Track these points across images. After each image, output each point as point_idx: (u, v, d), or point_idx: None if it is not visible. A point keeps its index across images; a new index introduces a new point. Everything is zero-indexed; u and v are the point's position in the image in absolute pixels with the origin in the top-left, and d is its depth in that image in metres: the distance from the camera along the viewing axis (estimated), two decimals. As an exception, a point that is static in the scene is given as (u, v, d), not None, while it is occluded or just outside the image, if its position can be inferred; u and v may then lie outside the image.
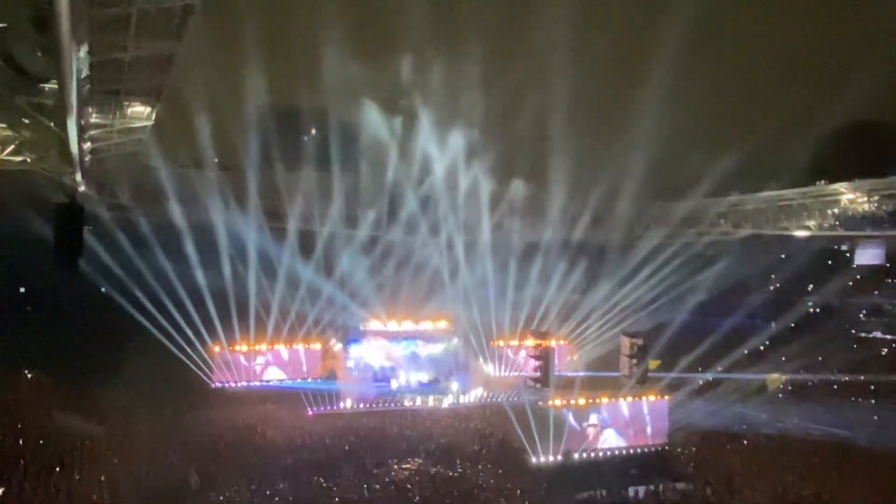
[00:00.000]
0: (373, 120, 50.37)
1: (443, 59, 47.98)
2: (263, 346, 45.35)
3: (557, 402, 36.47)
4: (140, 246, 41.71)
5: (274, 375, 45.61)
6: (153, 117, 28.91)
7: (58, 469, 26.21)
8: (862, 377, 45.31)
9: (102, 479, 27.21)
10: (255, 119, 44.10)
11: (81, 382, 36.27)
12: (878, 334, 52.11)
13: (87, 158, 29.32)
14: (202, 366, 43.20)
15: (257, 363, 45.34)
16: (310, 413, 41.77)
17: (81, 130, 22.20)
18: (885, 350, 49.90)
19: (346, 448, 35.90)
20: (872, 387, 44.36)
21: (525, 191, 50.97)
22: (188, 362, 42.15)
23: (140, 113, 28.20)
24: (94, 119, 26.87)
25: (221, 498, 28.40)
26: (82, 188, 35.33)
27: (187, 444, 33.53)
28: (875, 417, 40.29)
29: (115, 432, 32.76)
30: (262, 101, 44.87)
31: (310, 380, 44.74)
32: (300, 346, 46.05)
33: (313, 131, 55.66)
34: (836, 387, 45.28)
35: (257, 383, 45.03)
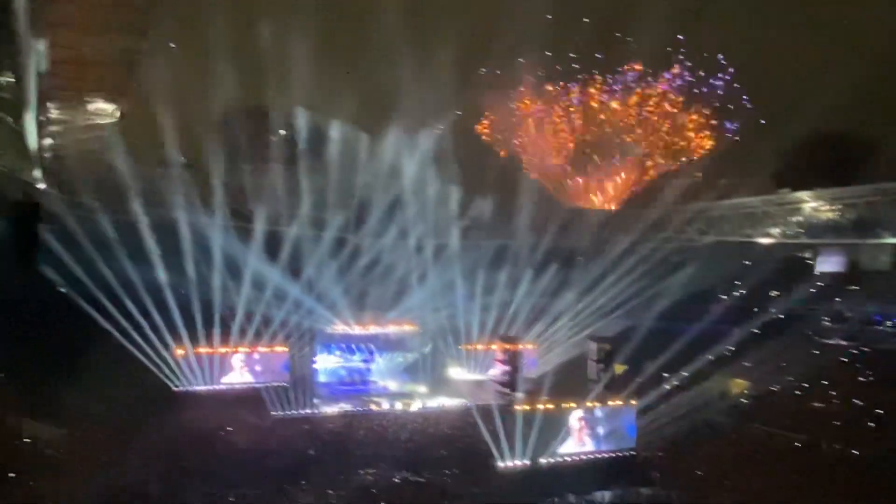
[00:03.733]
0: (342, 125, 50.22)
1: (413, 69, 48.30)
2: (228, 349, 44.48)
3: (525, 407, 36.41)
4: (102, 245, 40.68)
5: (238, 379, 44.77)
6: (117, 115, 28.34)
7: (12, 475, 25.36)
8: (823, 382, 45.99)
9: (59, 486, 26.46)
10: (222, 118, 43.51)
11: (39, 386, 35.12)
12: (840, 341, 52.94)
13: (46, 155, 28.57)
14: (165, 369, 42.21)
15: (221, 366, 44.42)
16: (275, 417, 41.14)
17: (41, 126, 21.60)
18: (846, 358, 50.67)
19: (312, 453, 35.47)
20: (833, 392, 44.99)
21: (492, 204, 51.48)
22: (150, 365, 41.15)
23: (103, 110, 27.65)
24: (54, 115, 26.23)
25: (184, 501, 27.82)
26: (41, 185, 34.50)
27: (148, 449, 32.76)
28: (835, 422, 40.92)
29: (74, 438, 31.86)
30: (230, 99, 44.28)
31: (275, 384, 44.05)
32: (266, 350, 45.28)
33: (281, 132, 55.22)
34: (797, 392, 45.84)
35: (221, 387, 44.16)
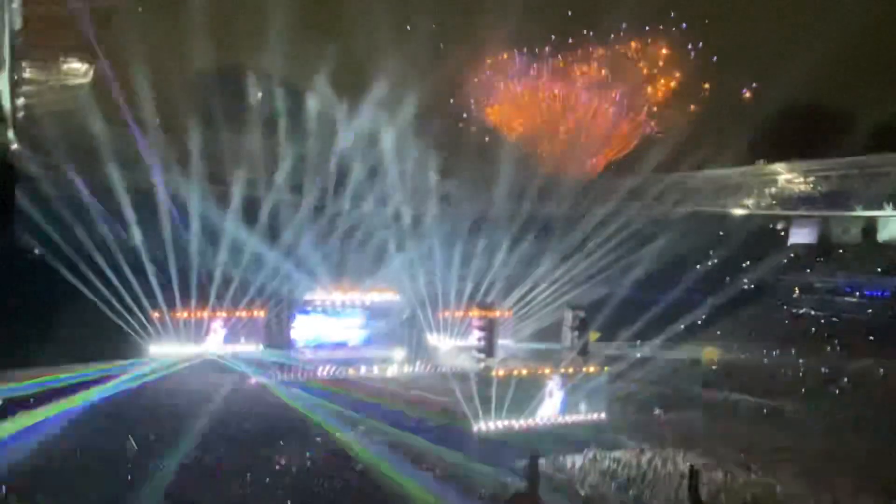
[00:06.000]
0: (321, 90, 49.86)
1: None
2: (206, 314, 44.37)
3: (500, 373, 36.98)
4: (77, 207, 40.32)
5: (216, 343, 44.79)
6: (91, 75, 27.97)
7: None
8: (792, 351, 47.11)
9: (37, 444, 26.67)
10: (200, 81, 42.98)
11: (12, 347, 34.99)
12: (810, 311, 54.07)
13: (19, 115, 28.17)
14: (142, 332, 42.09)
15: (199, 330, 44.35)
16: (252, 382, 41.37)
17: (14, 86, 21.30)
18: (815, 327, 51.82)
19: (289, 416, 35.81)
20: (801, 361, 46.13)
21: (471, 172, 51.65)
22: (127, 329, 41.02)
23: (77, 70, 27.26)
24: (27, 75, 25.85)
25: (161, 466, 28.04)
26: (14, 146, 34.07)
27: (125, 411, 32.93)
28: (801, 389, 42.11)
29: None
30: (208, 62, 43.71)
31: (253, 349, 44.20)
32: (243, 314, 45.23)
33: (259, 95, 54.69)
34: (766, 360, 46.94)
35: (199, 350, 44.15)
